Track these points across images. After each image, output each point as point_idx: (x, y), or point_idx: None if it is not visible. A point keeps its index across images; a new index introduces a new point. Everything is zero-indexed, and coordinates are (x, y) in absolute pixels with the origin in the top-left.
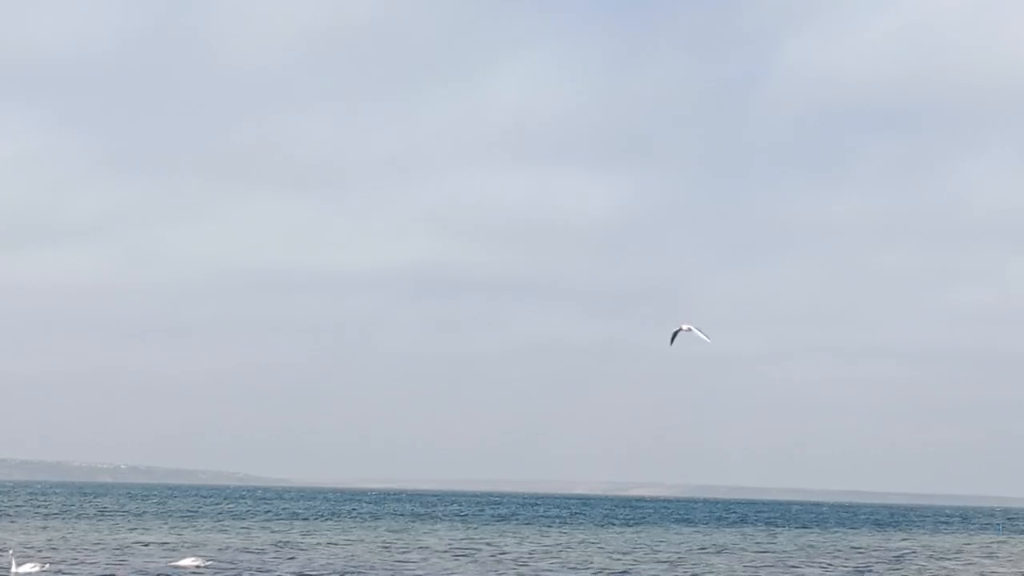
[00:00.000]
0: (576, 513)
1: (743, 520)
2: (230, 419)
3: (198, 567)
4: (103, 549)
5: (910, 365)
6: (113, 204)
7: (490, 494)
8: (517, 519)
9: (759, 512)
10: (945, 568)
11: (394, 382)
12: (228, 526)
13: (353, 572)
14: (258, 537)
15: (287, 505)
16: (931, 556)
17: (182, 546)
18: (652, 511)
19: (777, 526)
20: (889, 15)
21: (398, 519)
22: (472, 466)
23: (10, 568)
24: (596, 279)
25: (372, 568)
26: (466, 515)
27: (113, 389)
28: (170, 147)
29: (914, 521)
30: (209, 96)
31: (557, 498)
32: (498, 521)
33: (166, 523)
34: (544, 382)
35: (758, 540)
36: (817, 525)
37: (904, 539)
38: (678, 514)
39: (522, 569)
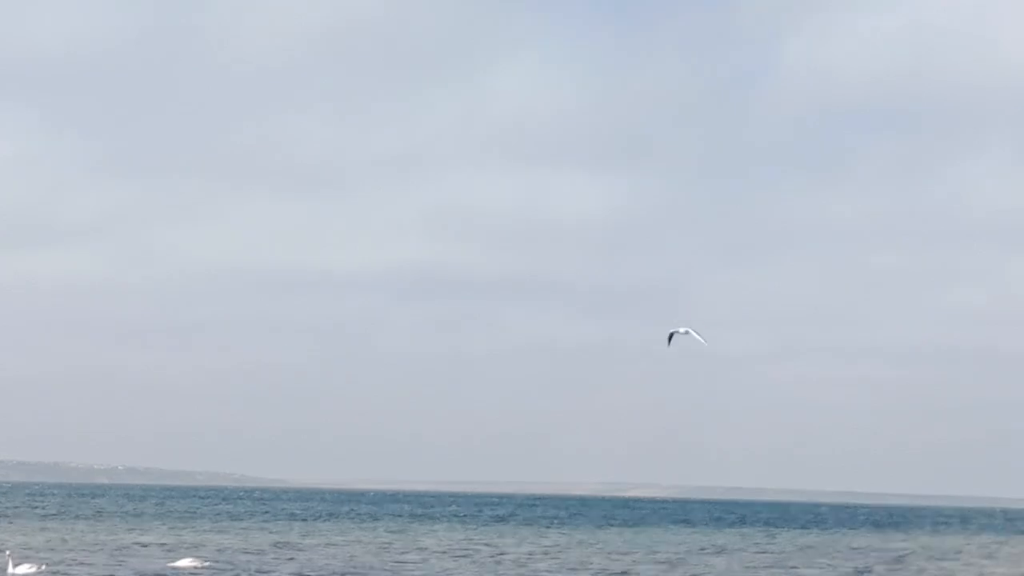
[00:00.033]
0: (575, 514)
1: (742, 521)
2: (228, 419)
3: (196, 568)
4: (101, 550)
5: (910, 365)
6: (113, 204)
7: (488, 495)
8: (515, 520)
9: (758, 513)
10: (944, 568)
11: (393, 382)
12: (226, 527)
13: (352, 573)
14: (257, 538)
15: (285, 506)
16: (931, 556)
17: (181, 547)
18: (650, 512)
19: (776, 527)
20: (889, 15)
21: (396, 520)
22: (470, 467)
23: (7, 569)
24: (595, 279)
25: (371, 568)
26: (464, 516)
27: (111, 389)
28: (170, 147)
29: (913, 522)
30: (209, 96)
31: (555, 499)
32: (497, 522)
33: (164, 524)
34: (543, 382)
35: (757, 541)
36: (816, 526)
37: (903, 539)
38: (676, 515)
39: (521, 570)
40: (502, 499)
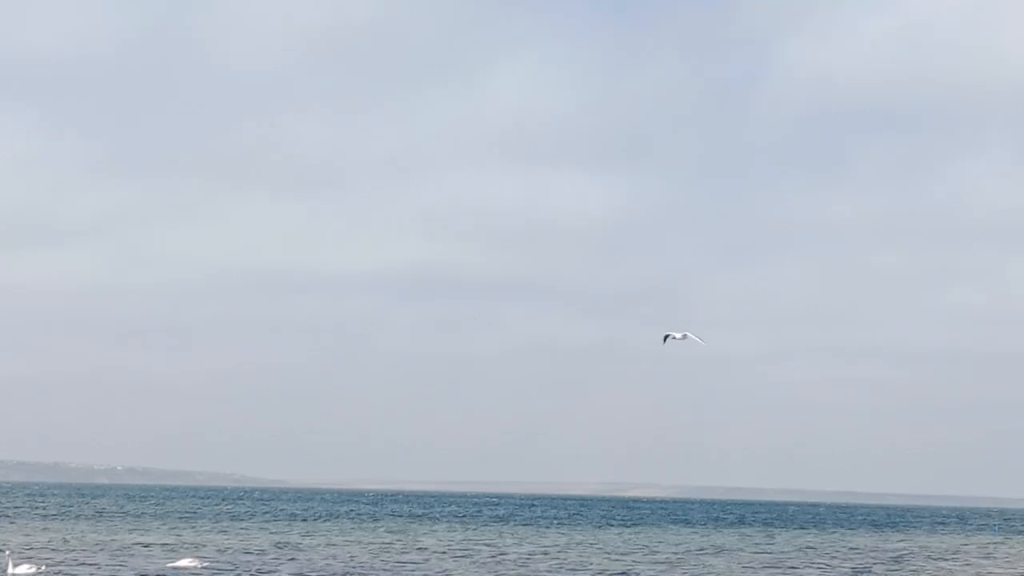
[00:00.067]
0: (574, 514)
1: (741, 521)
2: (228, 420)
3: (196, 568)
4: (102, 550)
5: (909, 365)
6: (113, 204)
7: (488, 495)
8: (515, 520)
9: (756, 513)
10: (943, 569)
11: (392, 383)
12: (227, 527)
13: (353, 573)
14: (257, 538)
15: (285, 506)
16: (929, 557)
17: (181, 547)
18: (650, 512)
19: (775, 527)
20: (889, 15)
21: (397, 520)
22: (470, 467)
23: (7, 569)
24: (595, 279)
25: (372, 569)
26: (464, 516)
27: (111, 390)
28: (170, 147)
29: (911, 522)
30: (209, 96)
31: (555, 499)
32: (496, 522)
33: (165, 524)
34: (543, 382)
35: (756, 541)
36: (815, 526)
37: (901, 540)
38: (676, 515)
39: (521, 570)
40: (501, 499)
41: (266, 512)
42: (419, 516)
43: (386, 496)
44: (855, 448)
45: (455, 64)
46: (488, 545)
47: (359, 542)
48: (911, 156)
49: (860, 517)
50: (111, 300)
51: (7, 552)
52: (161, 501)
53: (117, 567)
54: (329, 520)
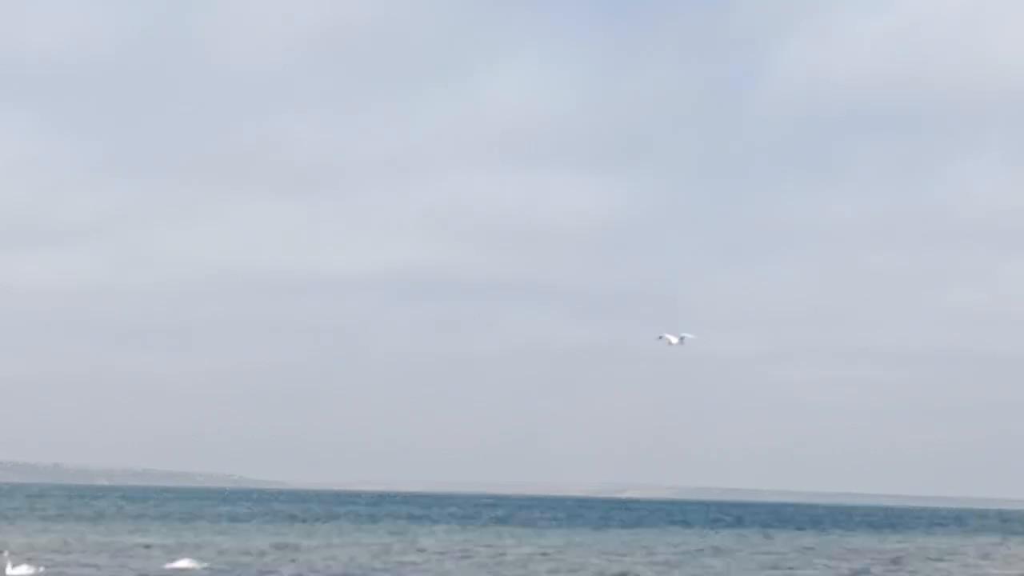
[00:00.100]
0: (573, 515)
1: (739, 522)
2: (227, 421)
3: (195, 569)
4: (102, 551)
5: (909, 365)
6: (112, 204)
7: (486, 496)
8: (514, 521)
9: (755, 514)
10: (941, 570)
11: (392, 383)
12: (227, 528)
13: (352, 574)
14: (257, 539)
15: (285, 507)
16: (927, 558)
17: (181, 548)
18: (648, 513)
19: (773, 528)
20: (888, 16)
21: (396, 521)
22: (469, 468)
23: (5, 570)
24: (595, 280)
25: (372, 570)
26: (464, 517)
27: (110, 390)
28: (169, 148)
29: (909, 523)
30: (208, 97)
31: (553, 500)
32: (495, 523)
33: (165, 525)
34: (542, 383)
35: (754, 542)
36: (813, 527)
37: (900, 541)
38: (674, 516)
39: (520, 571)
40: (500, 500)
41: (265, 513)
42: (418, 517)
43: (385, 497)
44: (854, 448)
45: (455, 64)
46: (487, 546)
47: (359, 543)
48: (910, 156)
49: (858, 518)
50: (111, 300)
51: (6, 553)
52: (160, 502)
53: (117, 568)
54: (328, 521)
